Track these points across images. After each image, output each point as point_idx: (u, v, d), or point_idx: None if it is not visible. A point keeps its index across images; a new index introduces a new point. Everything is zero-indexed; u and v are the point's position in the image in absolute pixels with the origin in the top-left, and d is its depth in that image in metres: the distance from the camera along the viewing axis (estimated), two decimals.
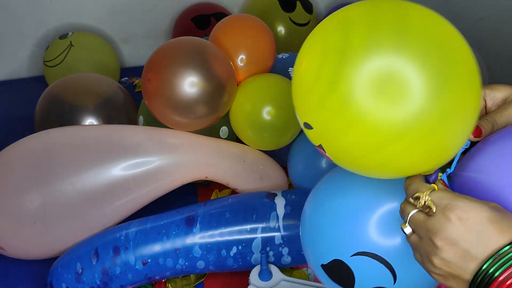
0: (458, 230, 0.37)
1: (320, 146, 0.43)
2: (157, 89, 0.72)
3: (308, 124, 0.42)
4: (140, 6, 1.24)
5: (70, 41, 1.09)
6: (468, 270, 0.37)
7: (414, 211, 0.40)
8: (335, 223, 0.50)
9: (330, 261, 0.50)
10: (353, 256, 0.48)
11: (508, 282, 0.35)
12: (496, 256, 0.35)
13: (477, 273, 0.36)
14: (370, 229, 0.48)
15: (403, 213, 0.42)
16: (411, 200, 0.41)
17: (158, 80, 0.72)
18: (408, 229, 0.41)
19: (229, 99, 0.78)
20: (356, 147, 0.40)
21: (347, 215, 0.49)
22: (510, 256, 0.35)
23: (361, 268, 0.48)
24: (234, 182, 0.80)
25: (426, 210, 0.40)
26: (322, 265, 0.50)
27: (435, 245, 0.38)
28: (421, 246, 0.40)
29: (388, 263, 0.47)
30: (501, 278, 0.35)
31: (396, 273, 0.47)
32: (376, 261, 0.47)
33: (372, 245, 0.47)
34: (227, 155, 0.79)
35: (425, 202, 0.39)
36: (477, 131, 0.46)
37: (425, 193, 0.40)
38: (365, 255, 0.47)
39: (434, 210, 0.39)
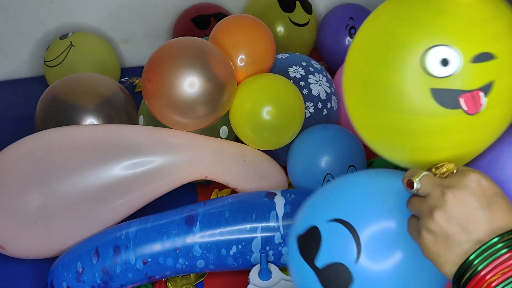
0: (475, 190, 0.37)
1: (485, 87, 0.39)
2: (157, 89, 0.73)
3: (488, 54, 0.39)
4: (140, 6, 1.24)
5: (71, 41, 1.09)
6: (462, 244, 0.37)
7: (426, 172, 0.40)
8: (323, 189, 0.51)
9: (306, 230, 0.49)
10: (330, 222, 0.48)
11: (488, 276, 0.35)
12: (484, 247, 0.36)
13: (462, 264, 0.36)
14: (355, 199, 0.48)
15: (411, 174, 0.42)
16: (433, 170, 0.42)
17: (158, 80, 0.72)
18: (417, 184, 0.40)
19: (229, 99, 0.78)
20: None
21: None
22: (496, 249, 0.35)
23: (331, 238, 0.48)
24: (234, 181, 0.80)
25: (444, 175, 0.40)
26: (298, 236, 0.50)
27: (444, 198, 0.37)
28: (424, 204, 0.39)
29: (358, 237, 0.46)
30: (482, 273, 0.35)
31: (361, 251, 0.46)
32: (348, 232, 0.46)
33: (351, 216, 0.47)
34: (227, 155, 0.79)
35: (447, 168, 0.40)
36: None
37: (447, 163, 0.41)
38: (341, 223, 0.47)
39: (454, 171, 0.40)
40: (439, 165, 0.41)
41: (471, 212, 0.36)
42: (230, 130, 0.85)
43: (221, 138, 0.83)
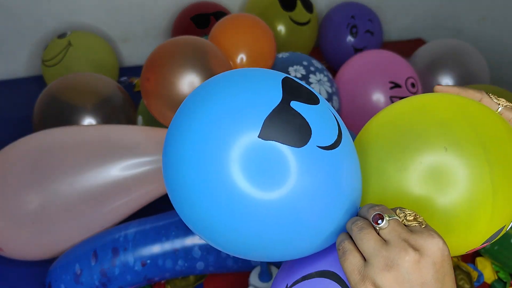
0: (437, 260, 0.35)
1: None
2: (156, 88, 0.72)
3: None
4: (139, 6, 1.24)
5: (69, 41, 1.09)
6: None
7: (396, 217, 0.38)
8: None
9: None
10: None
11: None
12: None
13: None
14: None
15: (383, 210, 0.38)
16: (399, 211, 0.38)
17: (157, 79, 0.72)
18: (386, 223, 0.37)
19: None
20: None
21: None
22: None
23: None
24: None
25: (413, 223, 0.37)
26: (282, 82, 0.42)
27: (405, 258, 0.35)
28: (379, 248, 0.36)
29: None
30: None
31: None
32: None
33: None
34: None
35: (415, 221, 0.37)
36: None
37: (417, 216, 0.38)
38: None
39: (423, 226, 0.37)
40: (408, 212, 0.38)
41: (427, 282, 0.35)
42: None
43: None
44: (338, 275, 0.41)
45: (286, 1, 1.14)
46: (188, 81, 0.71)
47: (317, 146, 0.38)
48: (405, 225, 0.37)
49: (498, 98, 0.48)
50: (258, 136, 0.36)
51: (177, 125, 0.40)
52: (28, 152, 0.73)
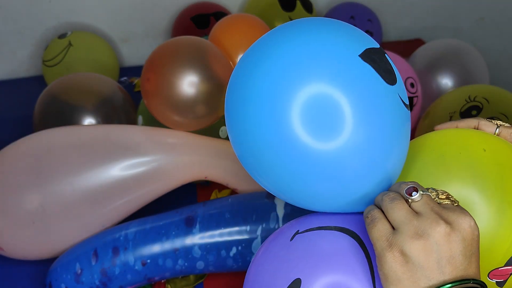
0: (467, 237, 0.35)
1: None
2: (156, 88, 0.72)
3: None
4: (139, 5, 1.24)
5: (69, 41, 1.09)
6: (430, 281, 0.35)
7: (430, 193, 0.38)
8: None
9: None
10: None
11: None
12: None
13: None
14: None
15: (417, 184, 0.39)
16: (431, 190, 0.39)
17: (157, 79, 0.72)
18: (419, 196, 0.37)
19: None
20: None
21: None
22: None
23: None
24: (234, 182, 0.80)
25: (445, 201, 0.38)
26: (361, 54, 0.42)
27: (436, 229, 0.35)
28: (410, 218, 0.36)
29: None
30: None
31: None
32: None
33: None
34: (227, 155, 0.79)
35: (447, 195, 0.38)
36: None
37: (452, 197, 0.39)
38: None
39: (455, 204, 0.37)
40: (440, 191, 0.39)
41: (455, 256, 0.35)
42: None
43: (221, 138, 0.83)
44: (358, 235, 0.41)
45: (286, 1, 1.15)
46: (188, 81, 0.72)
47: (399, 95, 0.40)
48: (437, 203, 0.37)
49: (493, 120, 0.49)
50: (359, 55, 0.39)
51: (246, 65, 0.42)
52: (28, 152, 0.73)
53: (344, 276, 0.39)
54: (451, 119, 0.80)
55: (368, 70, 0.39)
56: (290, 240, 0.43)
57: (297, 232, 0.44)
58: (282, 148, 0.39)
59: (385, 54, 0.42)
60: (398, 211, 0.37)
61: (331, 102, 0.38)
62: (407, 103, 0.43)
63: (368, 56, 0.40)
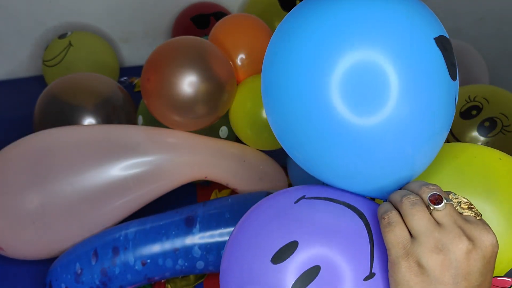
0: (487, 254, 0.34)
1: None
2: (156, 88, 0.72)
3: None
4: (139, 5, 1.24)
5: (69, 41, 1.09)
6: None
7: (454, 202, 0.36)
8: None
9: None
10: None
11: None
12: None
13: None
14: None
15: (440, 190, 0.37)
16: (453, 196, 0.37)
17: (157, 79, 0.72)
18: (443, 206, 0.35)
19: (229, 99, 0.78)
20: None
21: None
22: None
23: None
24: (234, 182, 0.80)
25: (467, 212, 0.36)
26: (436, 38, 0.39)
27: (458, 246, 0.33)
28: (432, 229, 0.34)
29: None
30: None
31: None
32: None
33: None
34: (227, 155, 0.79)
35: (470, 205, 0.36)
36: None
37: (475, 208, 0.37)
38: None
39: (478, 217, 0.36)
40: (462, 199, 0.37)
41: (472, 273, 0.34)
42: (230, 130, 0.84)
43: (221, 138, 0.83)
44: (365, 217, 0.40)
45: (286, 1, 1.14)
46: (188, 81, 0.72)
47: (454, 91, 0.38)
48: (459, 212, 0.36)
49: None
50: (434, 38, 0.36)
51: (289, 31, 0.39)
52: (28, 152, 0.73)
53: (342, 253, 0.37)
54: None
55: (437, 56, 0.37)
56: (295, 203, 0.41)
57: (303, 197, 0.41)
58: (316, 118, 0.37)
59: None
60: (419, 219, 0.35)
61: (379, 76, 0.35)
62: (456, 103, 0.40)
63: (442, 42, 0.37)
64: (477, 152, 0.46)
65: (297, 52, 0.37)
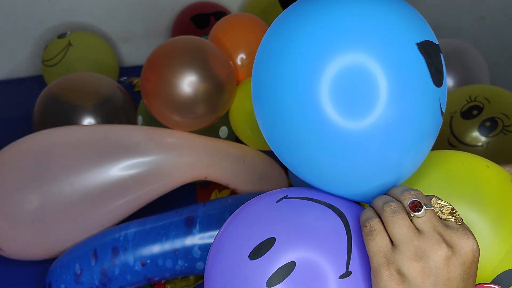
0: (467, 260, 0.34)
1: None
2: (156, 88, 0.72)
3: None
4: (139, 5, 1.23)
5: (69, 41, 1.09)
6: None
7: (433, 208, 0.36)
8: None
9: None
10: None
11: None
12: None
13: None
14: None
15: (420, 196, 0.37)
16: (435, 201, 0.37)
17: (157, 79, 0.72)
18: (423, 213, 0.35)
19: (229, 99, 0.77)
20: None
21: None
22: None
23: None
24: (234, 182, 0.80)
25: (448, 217, 0.36)
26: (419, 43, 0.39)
27: (437, 253, 0.34)
28: (412, 236, 0.35)
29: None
30: None
31: None
32: None
33: None
34: (226, 155, 0.78)
35: (451, 210, 0.36)
36: None
37: (456, 212, 0.36)
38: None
39: (459, 223, 0.36)
40: (444, 204, 0.36)
41: (452, 279, 0.34)
42: (230, 130, 0.84)
43: (220, 138, 0.83)
44: (345, 217, 0.40)
45: (286, 1, 1.14)
46: (188, 81, 0.71)
47: (439, 100, 0.38)
48: (440, 218, 0.36)
49: None
50: (417, 43, 0.37)
51: (277, 31, 0.40)
52: (28, 152, 0.73)
53: (318, 250, 0.38)
54: (452, 119, 0.80)
55: (419, 62, 0.37)
56: (276, 202, 0.42)
57: (285, 197, 0.43)
58: (305, 121, 0.37)
59: (441, 54, 0.40)
60: (399, 227, 0.35)
61: (366, 81, 0.35)
62: (444, 111, 0.41)
63: (425, 48, 0.37)
64: (465, 159, 0.46)
65: (287, 54, 0.37)
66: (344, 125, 0.36)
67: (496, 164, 0.47)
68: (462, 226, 0.36)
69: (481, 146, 0.76)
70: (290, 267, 0.37)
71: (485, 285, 0.41)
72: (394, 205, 0.36)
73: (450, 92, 0.89)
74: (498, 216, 0.42)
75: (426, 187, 0.44)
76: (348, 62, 0.36)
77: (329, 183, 0.42)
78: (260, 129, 0.43)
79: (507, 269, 0.42)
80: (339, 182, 0.41)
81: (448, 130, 0.79)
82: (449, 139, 0.79)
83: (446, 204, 0.37)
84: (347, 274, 0.37)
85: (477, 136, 0.77)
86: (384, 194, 0.40)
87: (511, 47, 1.34)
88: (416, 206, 0.35)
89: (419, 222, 0.35)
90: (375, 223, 0.36)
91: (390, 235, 0.36)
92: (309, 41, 0.37)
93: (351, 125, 0.36)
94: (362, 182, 0.40)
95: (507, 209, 0.42)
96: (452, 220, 0.36)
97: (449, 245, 0.34)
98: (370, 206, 0.40)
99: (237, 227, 0.42)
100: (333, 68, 0.36)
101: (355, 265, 0.38)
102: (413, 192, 0.37)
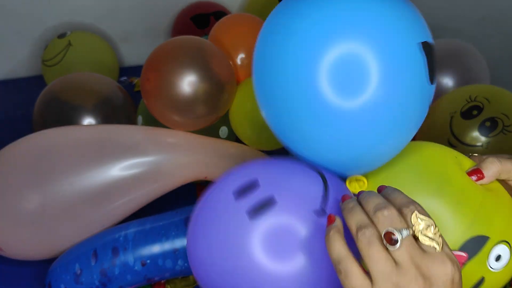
0: (445, 284, 0.34)
1: None
2: (156, 88, 0.72)
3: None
4: (139, 5, 1.23)
5: (69, 40, 1.09)
6: None
7: (408, 233, 0.35)
8: None
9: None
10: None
11: None
12: None
13: None
14: None
15: (393, 223, 0.35)
16: (415, 218, 0.36)
17: (157, 79, 0.72)
18: (398, 244, 0.34)
19: (229, 99, 0.77)
20: None
21: None
22: None
23: None
24: None
25: (428, 242, 0.35)
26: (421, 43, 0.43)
27: (416, 281, 0.34)
28: (391, 269, 0.34)
29: None
30: None
31: None
32: None
33: None
34: (226, 155, 0.78)
35: (435, 232, 0.35)
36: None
37: (436, 227, 0.35)
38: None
39: (439, 249, 0.35)
40: (426, 222, 0.35)
41: None
42: (230, 130, 0.84)
43: (221, 138, 0.83)
44: (326, 179, 0.46)
45: None
46: (188, 81, 0.71)
47: (429, 95, 0.44)
48: (417, 239, 0.35)
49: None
50: (420, 43, 0.42)
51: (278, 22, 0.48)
52: (28, 152, 0.73)
53: (295, 198, 0.43)
54: (452, 119, 0.80)
55: (420, 61, 0.41)
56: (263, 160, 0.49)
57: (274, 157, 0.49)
58: (306, 102, 0.43)
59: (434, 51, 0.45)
60: (376, 263, 0.34)
61: (361, 65, 0.40)
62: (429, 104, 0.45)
63: (427, 48, 0.42)
64: (436, 149, 0.51)
65: (291, 40, 0.44)
66: (339, 103, 0.42)
67: (463, 155, 0.52)
68: (442, 251, 0.35)
69: (481, 146, 0.76)
70: (270, 201, 0.42)
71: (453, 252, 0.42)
72: (368, 233, 0.35)
73: (450, 92, 0.89)
74: (459, 198, 0.46)
75: (397, 172, 0.49)
76: (344, 49, 0.41)
77: (316, 153, 0.47)
78: (260, 108, 0.50)
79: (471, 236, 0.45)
80: (325, 152, 0.46)
81: (448, 130, 0.79)
82: (449, 139, 0.79)
83: (428, 222, 0.35)
84: (321, 212, 0.42)
85: (477, 136, 0.77)
86: (355, 197, 0.40)
87: (511, 47, 1.34)
88: (391, 239, 0.35)
89: (395, 254, 0.34)
90: (350, 264, 0.35)
91: (368, 268, 0.35)
92: (310, 30, 0.42)
93: (345, 103, 0.42)
94: (344, 157, 0.46)
95: (468, 192, 0.47)
96: (432, 245, 0.35)
97: (425, 278, 0.34)
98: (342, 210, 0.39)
99: (227, 179, 0.48)
100: (331, 54, 0.41)
101: (330, 207, 0.43)
102: (386, 213, 0.36)
